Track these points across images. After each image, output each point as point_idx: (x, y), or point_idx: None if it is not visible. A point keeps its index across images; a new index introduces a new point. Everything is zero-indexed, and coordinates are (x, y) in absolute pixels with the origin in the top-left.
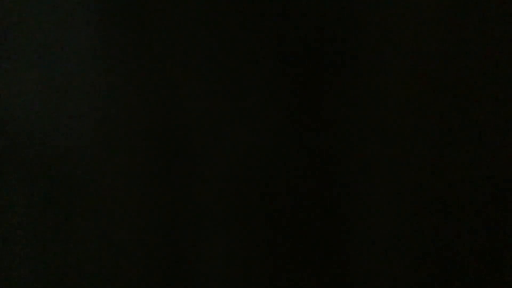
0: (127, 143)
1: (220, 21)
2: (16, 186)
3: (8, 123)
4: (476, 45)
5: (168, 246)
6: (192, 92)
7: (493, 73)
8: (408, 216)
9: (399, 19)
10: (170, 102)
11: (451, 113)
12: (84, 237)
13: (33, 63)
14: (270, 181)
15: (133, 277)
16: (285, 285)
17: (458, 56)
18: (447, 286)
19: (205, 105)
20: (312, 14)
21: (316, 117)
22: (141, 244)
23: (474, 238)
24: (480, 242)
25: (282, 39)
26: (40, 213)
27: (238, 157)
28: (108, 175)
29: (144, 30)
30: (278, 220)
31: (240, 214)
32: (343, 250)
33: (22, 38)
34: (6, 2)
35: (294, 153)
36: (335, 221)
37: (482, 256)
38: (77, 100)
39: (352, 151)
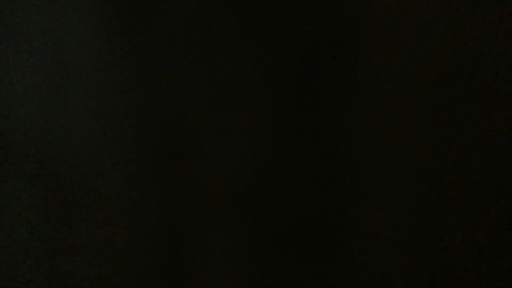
0: (128, 143)
1: (221, 21)
2: (16, 186)
3: (9, 123)
4: (476, 45)
5: (169, 246)
6: (193, 92)
7: (493, 73)
8: (408, 216)
9: (399, 19)
10: (171, 102)
11: (451, 113)
12: (84, 237)
13: (34, 62)
14: (270, 181)
15: (133, 277)
16: (285, 285)
17: (458, 56)
18: (447, 286)
19: (206, 105)
20: (312, 14)
21: (316, 117)
22: (142, 243)
23: (474, 237)
24: (480, 242)
25: (282, 39)
26: (40, 212)
27: (239, 157)
28: (109, 175)
29: (145, 31)
30: (278, 219)
31: (240, 214)
32: (343, 249)
33: (23, 38)
34: (7, 2)
35: (294, 153)
36: (335, 220)
37: (482, 256)
38: (78, 100)
39: (352, 151)
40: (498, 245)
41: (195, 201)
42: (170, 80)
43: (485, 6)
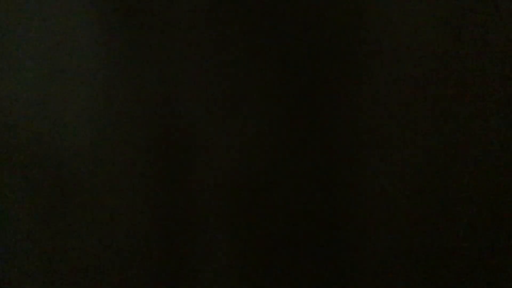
0: (128, 142)
1: (221, 21)
2: (17, 186)
3: (9, 123)
4: (476, 45)
5: (168, 245)
6: (193, 91)
7: (493, 73)
8: (407, 216)
9: (400, 19)
10: (171, 101)
11: (451, 113)
12: (84, 236)
13: (34, 62)
14: (270, 180)
15: (133, 276)
16: (285, 284)
17: (458, 56)
18: (447, 285)
19: (206, 104)
20: (312, 13)
21: (316, 117)
22: (142, 243)
23: (474, 238)
24: (480, 242)
25: (282, 39)
26: (40, 212)
27: (238, 156)
28: (109, 174)
29: (145, 30)
30: (278, 219)
31: (240, 212)
32: (343, 249)
33: (23, 37)
34: (6, 2)
35: (294, 153)
36: (335, 220)
37: (482, 256)
38: (78, 100)
39: (352, 151)
40: (498, 245)
41: (194, 200)
42: (170, 79)
43: (485, 6)
